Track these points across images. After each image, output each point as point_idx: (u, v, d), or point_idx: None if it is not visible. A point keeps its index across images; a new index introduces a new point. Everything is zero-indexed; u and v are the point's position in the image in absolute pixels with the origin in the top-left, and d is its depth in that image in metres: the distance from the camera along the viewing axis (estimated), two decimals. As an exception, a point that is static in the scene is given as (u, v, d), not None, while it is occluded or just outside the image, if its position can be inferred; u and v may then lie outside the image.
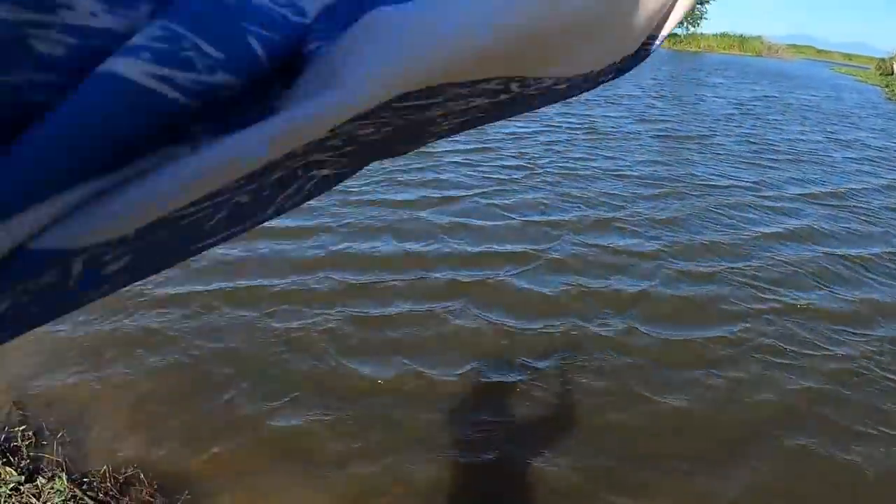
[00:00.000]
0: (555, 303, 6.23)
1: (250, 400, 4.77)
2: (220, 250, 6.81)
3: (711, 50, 59.18)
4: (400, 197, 8.84)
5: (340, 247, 7.44)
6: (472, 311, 5.98)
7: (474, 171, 10.42)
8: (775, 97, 20.43)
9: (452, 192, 9.20)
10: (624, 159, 11.54)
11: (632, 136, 13.69)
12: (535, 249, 7.42)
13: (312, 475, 4.01)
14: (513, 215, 8.55)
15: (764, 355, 5.55)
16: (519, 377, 5.04)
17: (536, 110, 0.93)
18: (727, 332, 5.89)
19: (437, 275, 6.77)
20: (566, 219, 8.49)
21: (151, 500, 3.87)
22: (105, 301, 6.64)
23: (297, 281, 6.57)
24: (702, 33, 62.56)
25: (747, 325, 6.08)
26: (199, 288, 6.54)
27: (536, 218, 8.54)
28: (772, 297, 6.67)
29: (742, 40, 60.87)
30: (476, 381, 5.00)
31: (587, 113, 15.62)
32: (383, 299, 6.24)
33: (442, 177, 9.96)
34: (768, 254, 7.94)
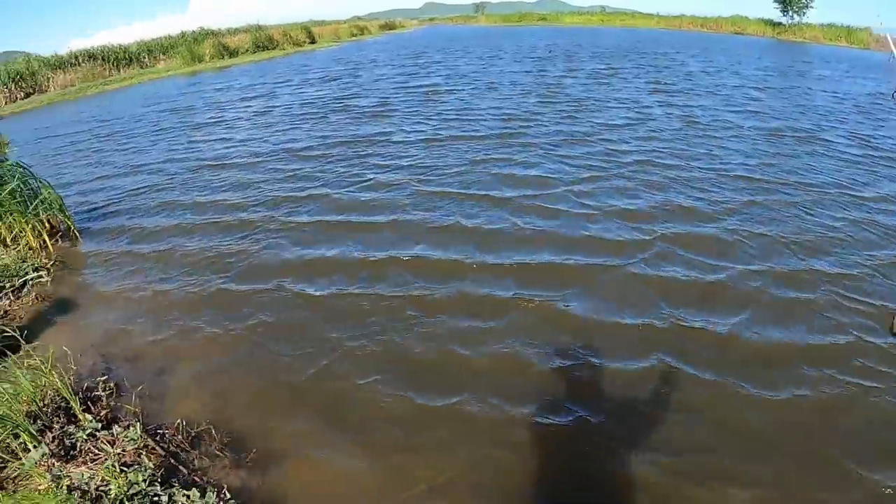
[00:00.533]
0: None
1: (322, 374, 4.83)
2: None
3: (817, 41, 56.88)
4: (507, 194, 8.52)
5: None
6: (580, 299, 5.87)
7: (566, 163, 9.93)
8: (882, 94, 19.07)
9: (540, 189, 8.79)
10: (727, 156, 10.68)
11: (732, 129, 12.56)
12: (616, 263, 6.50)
13: (373, 450, 4.04)
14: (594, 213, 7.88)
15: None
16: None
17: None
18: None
19: (549, 258, 6.73)
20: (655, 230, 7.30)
21: (220, 454, 3.96)
22: (193, 266, 6.91)
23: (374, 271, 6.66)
24: (807, 23, 60.26)
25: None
26: (290, 261, 6.81)
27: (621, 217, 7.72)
28: None
29: (849, 32, 58.44)
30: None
31: (686, 104, 14.94)
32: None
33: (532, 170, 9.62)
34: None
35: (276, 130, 13.74)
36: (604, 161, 10.06)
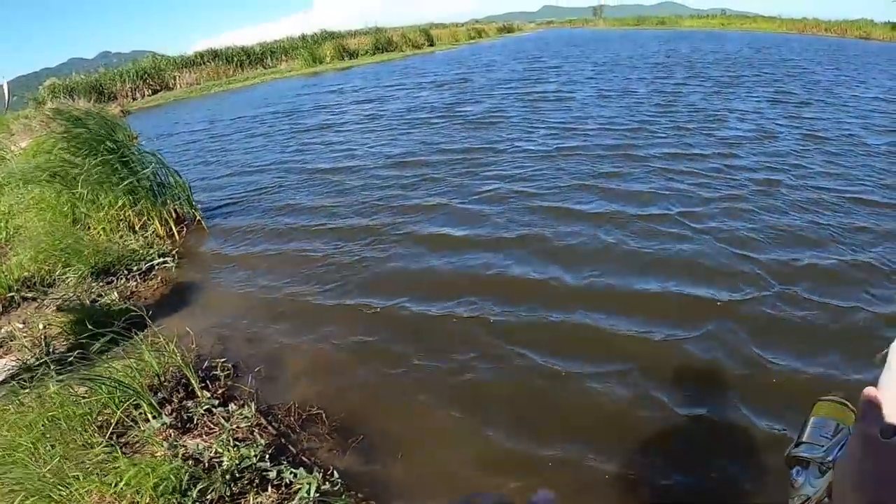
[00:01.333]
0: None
1: (431, 373, 4.84)
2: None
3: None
4: (641, 211, 7.93)
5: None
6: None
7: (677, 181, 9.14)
8: None
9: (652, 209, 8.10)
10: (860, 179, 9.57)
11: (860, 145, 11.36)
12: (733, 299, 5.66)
13: (483, 447, 4.00)
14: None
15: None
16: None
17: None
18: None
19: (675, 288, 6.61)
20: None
21: (328, 437, 4.04)
22: (310, 268, 7.09)
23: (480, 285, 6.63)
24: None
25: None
26: (411, 270, 6.81)
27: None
28: None
29: None
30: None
31: (807, 116, 13.89)
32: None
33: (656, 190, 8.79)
34: None
35: (382, 137, 13.77)
36: (721, 180, 9.19)
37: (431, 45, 49.73)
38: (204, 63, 34.85)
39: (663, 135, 12.03)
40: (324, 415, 4.25)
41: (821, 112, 14.40)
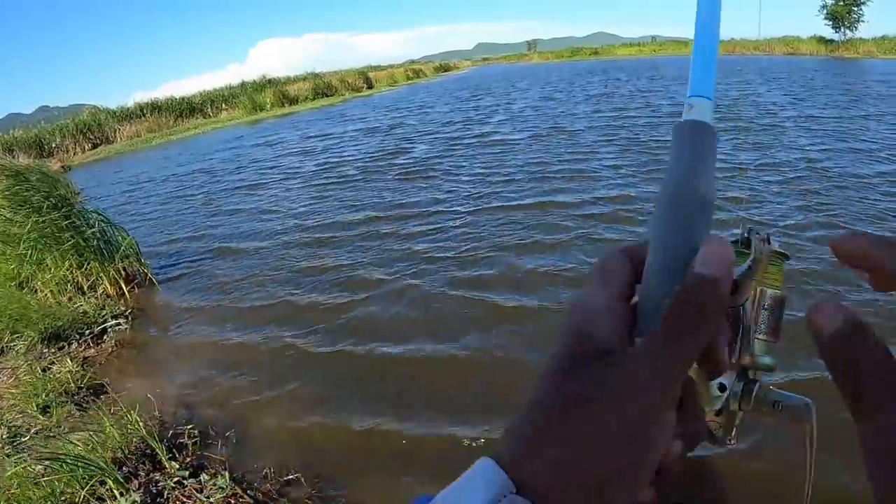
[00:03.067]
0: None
1: (410, 424, 4.71)
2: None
3: (871, 55, 55.63)
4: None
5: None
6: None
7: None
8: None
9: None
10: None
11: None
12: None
13: None
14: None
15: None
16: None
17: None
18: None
19: None
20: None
21: (310, 502, 3.88)
22: (268, 318, 6.92)
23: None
24: (860, 38, 59.17)
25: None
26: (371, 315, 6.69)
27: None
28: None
29: (903, 42, 57.33)
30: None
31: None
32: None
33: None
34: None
35: (299, 198, 12.91)
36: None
37: (370, 87, 50.16)
38: (144, 115, 34.53)
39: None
40: (302, 479, 4.06)
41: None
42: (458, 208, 9.99)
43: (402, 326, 6.18)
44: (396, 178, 13.28)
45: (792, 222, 7.91)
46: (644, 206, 8.91)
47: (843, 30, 60.08)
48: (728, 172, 10.54)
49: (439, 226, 9.20)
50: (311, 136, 23.37)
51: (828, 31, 61.61)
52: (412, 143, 18.31)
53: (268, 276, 8.21)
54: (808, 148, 12.12)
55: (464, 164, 13.92)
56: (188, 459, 4.32)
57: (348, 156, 17.33)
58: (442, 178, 12.64)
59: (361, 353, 5.80)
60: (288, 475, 4.09)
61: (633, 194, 9.66)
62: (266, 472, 4.12)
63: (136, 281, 8.38)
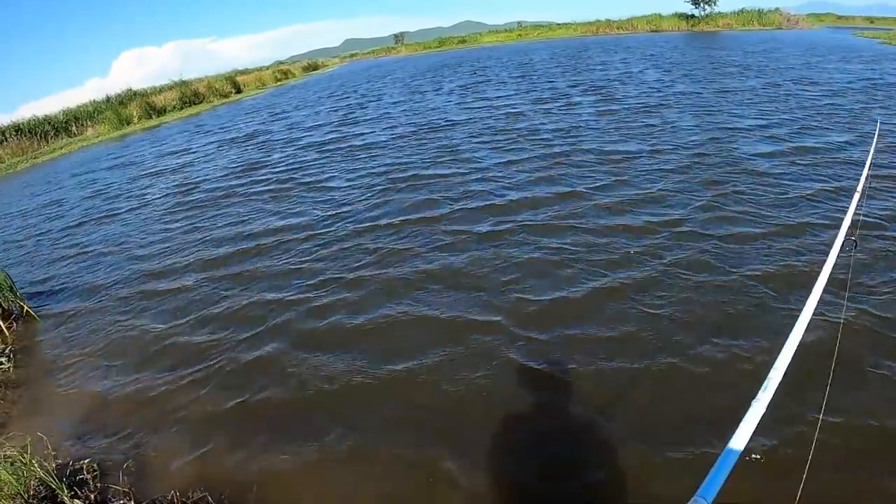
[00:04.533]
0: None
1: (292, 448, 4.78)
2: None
3: (730, 28, 58.60)
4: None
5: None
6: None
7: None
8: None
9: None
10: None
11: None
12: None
13: None
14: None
15: None
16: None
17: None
18: None
19: None
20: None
21: (221, 518, 3.87)
22: (150, 343, 6.74)
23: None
24: (719, 12, 62.04)
25: None
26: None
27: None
28: None
29: (760, 14, 60.37)
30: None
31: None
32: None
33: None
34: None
35: (147, 229, 11.86)
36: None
37: (239, 91, 48.89)
38: (6, 139, 32.62)
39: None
40: (209, 497, 4.07)
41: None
42: (324, 230, 9.58)
43: (287, 365, 5.96)
44: (253, 197, 12.69)
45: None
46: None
47: (702, 5, 62.77)
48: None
49: (300, 258, 8.64)
50: (170, 153, 22.06)
51: (688, 8, 64.29)
52: (272, 152, 17.81)
53: (135, 312, 7.89)
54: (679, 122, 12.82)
55: (327, 173, 13.59)
56: (91, 495, 4.24)
57: (203, 176, 16.09)
58: (303, 193, 12.22)
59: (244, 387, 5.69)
60: (194, 496, 4.11)
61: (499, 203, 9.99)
62: (172, 497, 4.11)
63: (13, 316, 7.97)
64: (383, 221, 9.38)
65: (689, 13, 63.85)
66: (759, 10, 60.91)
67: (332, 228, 9.49)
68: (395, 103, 24.86)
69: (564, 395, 4.72)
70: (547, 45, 53.14)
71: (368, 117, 21.69)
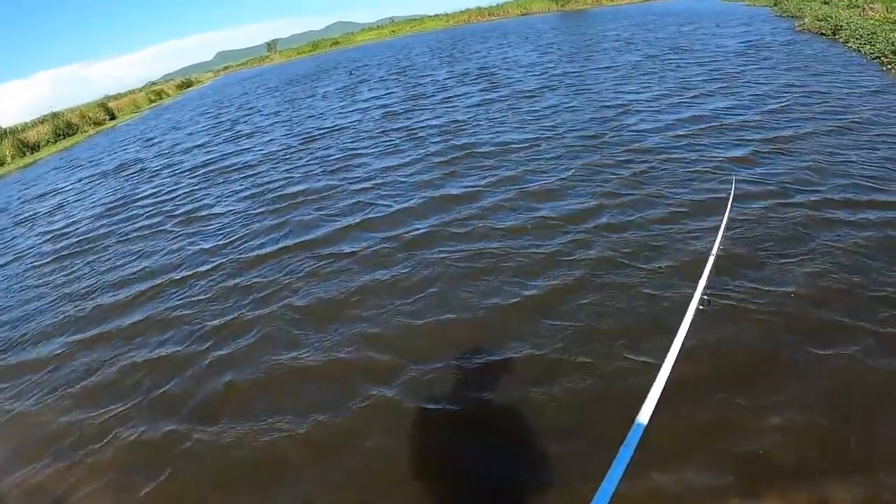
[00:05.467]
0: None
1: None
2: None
3: (599, 3, 59.88)
4: None
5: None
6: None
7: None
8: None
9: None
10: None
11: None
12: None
13: None
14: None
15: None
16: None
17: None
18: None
19: None
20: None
21: None
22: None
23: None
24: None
25: None
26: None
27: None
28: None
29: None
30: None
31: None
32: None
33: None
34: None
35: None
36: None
37: (113, 118, 47.29)
38: None
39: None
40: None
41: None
42: (202, 269, 8.48)
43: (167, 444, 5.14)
44: (130, 236, 11.17)
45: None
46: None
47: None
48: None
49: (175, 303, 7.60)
50: (40, 196, 19.86)
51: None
52: (147, 182, 16.20)
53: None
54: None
55: (203, 201, 12.29)
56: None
57: (74, 218, 14.27)
58: (178, 228, 10.85)
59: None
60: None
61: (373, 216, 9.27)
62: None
63: None
64: (265, 251, 8.40)
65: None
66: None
67: (209, 265, 8.42)
68: (272, 114, 23.81)
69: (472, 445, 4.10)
70: (422, 38, 53.20)
71: (245, 132, 20.56)
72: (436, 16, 77.21)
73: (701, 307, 3.26)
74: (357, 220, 8.65)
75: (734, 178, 6.56)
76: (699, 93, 12.56)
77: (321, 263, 7.48)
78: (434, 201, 8.73)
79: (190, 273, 8.33)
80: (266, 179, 12.61)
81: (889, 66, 13.34)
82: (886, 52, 14.42)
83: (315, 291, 6.78)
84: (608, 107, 12.62)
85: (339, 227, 8.57)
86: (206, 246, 9.30)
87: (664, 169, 8.31)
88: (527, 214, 7.56)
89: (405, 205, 8.82)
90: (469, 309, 5.68)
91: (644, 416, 2.26)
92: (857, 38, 17.36)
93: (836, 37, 18.63)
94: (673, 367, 2.56)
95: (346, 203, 9.60)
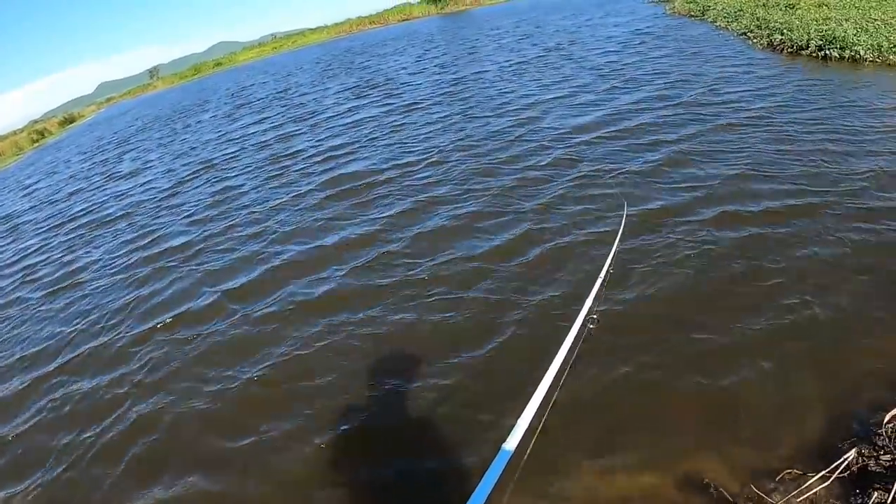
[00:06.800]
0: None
1: None
2: None
3: (478, 4, 60.49)
4: None
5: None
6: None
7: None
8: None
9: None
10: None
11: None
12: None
13: None
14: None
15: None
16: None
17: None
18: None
19: None
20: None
21: None
22: None
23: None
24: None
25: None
26: None
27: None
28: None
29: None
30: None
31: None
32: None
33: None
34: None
35: None
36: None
37: (-6, 162, 45.03)
38: None
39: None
40: None
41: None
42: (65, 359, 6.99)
43: None
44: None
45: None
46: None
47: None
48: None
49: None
50: None
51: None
52: (18, 240, 14.21)
53: None
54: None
55: (75, 264, 10.51)
56: None
57: None
58: (43, 304, 9.11)
59: None
60: None
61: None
62: None
63: None
64: (141, 330, 6.95)
65: (437, -2, 65.05)
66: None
67: (75, 354, 6.94)
68: (156, 147, 21.76)
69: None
70: (304, 53, 52.32)
71: (124, 172, 18.78)
72: (317, 28, 76.63)
73: (591, 325, 3.39)
74: (241, 282, 7.40)
75: (626, 203, 6.40)
76: (598, 89, 12.52)
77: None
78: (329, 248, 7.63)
79: (46, 369, 6.86)
80: (142, 232, 11.07)
81: (754, 40, 14.41)
82: (751, 27, 15.39)
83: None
84: (509, 112, 12.21)
85: (224, 290, 7.32)
86: (80, 325, 7.80)
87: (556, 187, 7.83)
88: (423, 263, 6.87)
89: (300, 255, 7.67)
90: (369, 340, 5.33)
91: (524, 420, 2.51)
92: (724, 17, 18.22)
93: (705, 16, 19.52)
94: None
95: (230, 258, 8.36)
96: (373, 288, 6.21)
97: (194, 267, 8.39)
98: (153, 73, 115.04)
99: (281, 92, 26.63)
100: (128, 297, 8.04)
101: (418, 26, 47.63)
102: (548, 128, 10.36)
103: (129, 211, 12.94)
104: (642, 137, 8.84)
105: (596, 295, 3.68)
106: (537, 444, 3.23)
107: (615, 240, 4.83)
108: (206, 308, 6.95)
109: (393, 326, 5.42)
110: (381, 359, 5.03)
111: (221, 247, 8.81)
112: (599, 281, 3.93)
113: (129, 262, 9.46)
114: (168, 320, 6.92)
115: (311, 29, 78.98)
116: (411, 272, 6.32)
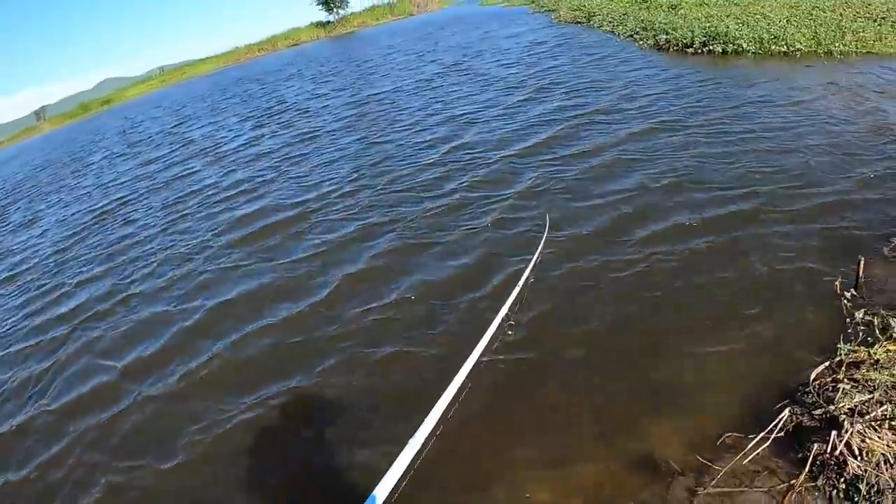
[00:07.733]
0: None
1: None
2: None
3: (365, 25, 60.68)
4: None
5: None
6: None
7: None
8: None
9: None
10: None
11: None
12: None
13: None
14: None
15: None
16: None
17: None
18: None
19: None
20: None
21: None
22: None
23: None
24: (352, 12, 63.99)
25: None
26: None
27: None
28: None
29: (391, 7, 63.45)
30: None
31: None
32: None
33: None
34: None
35: None
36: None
37: None
38: None
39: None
40: None
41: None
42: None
43: None
44: None
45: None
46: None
47: (335, 11, 63.85)
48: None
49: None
50: None
51: (323, 16, 65.17)
52: None
53: None
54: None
55: None
56: None
57: None
58: None
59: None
60: None
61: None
62: None
63: None
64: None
65: (325, 20, 64.80)
66: (388, 2, 63.63)
67: None
68: (48, 193, 20.36)
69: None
70: (195, 85, 51.01)
71: (12, 225, 17.33)
72: (205, 59, 75.05)
73: (509, 331, 3.85)
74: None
75: (548, 215, 6.38)
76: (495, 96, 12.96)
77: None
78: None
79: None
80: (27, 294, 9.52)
81: (640, 42, 15.26)
82: (637, 30, 16.28)
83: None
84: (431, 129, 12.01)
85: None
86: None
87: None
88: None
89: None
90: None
91: (433, 416, 2.77)
92: (609, 22, 19.11)
93: (591, 22, 20.16)
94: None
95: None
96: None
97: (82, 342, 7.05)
98: (39, 114, 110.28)
99: (176, 126, 25.53)
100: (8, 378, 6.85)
101: (309, 50, 47.10)
102: (459, 147, 10.15)
103: (14, 272, 11.68)
104: (556, 150, 8.77)
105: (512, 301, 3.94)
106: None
107: (529, 263, 5.02)
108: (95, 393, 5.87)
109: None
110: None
111: (117, 312, 7.47)
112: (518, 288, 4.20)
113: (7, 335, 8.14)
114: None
115: (201, 59, 77.28)
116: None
